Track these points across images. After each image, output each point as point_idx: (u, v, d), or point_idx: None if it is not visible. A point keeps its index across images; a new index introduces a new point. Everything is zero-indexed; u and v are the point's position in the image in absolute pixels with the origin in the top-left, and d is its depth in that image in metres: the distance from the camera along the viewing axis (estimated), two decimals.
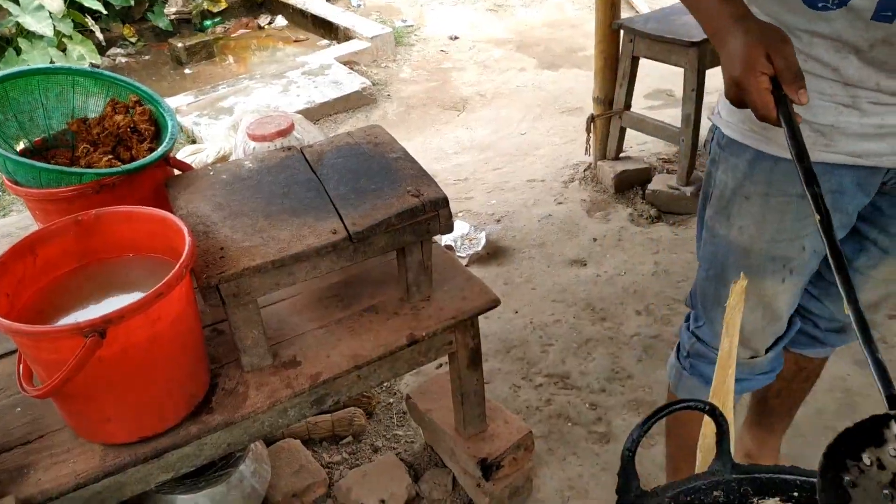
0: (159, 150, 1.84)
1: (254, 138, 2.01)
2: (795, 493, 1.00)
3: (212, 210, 1.72)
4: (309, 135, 2.29)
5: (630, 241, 3.48)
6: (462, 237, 3.49)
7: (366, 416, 2.52)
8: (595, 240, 3.51)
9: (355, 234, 1.62)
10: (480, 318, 1.93)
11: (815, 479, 0.99)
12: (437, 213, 1.72)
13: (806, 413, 2.48)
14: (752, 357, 1.65)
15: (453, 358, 1.98)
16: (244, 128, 2.10)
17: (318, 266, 1.63)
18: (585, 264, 3.35)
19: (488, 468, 2.10)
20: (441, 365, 2.75)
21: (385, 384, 2.72)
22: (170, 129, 1.90)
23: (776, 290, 1.54)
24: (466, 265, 3.34)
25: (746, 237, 1.50)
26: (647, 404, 2.56)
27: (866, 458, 0.84)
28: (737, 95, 1.20)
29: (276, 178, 1.83)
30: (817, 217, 1.05)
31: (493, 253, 3.45)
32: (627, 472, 0.95)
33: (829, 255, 1.01)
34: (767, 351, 1.66)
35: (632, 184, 3.84)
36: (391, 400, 2.65)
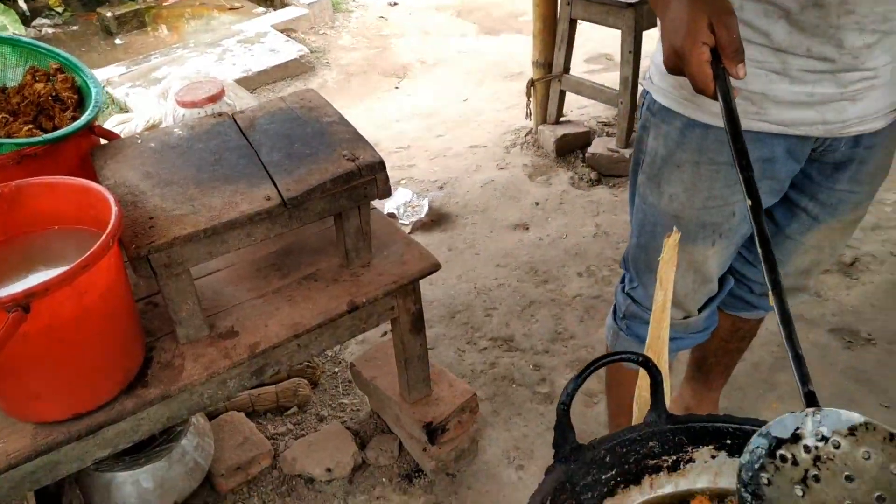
0: (83, 118, 1.76)
1: (183, 105, 1.95)
2: (728, 441, 1.02)
3: (140, 179, 1.67)
4: (241, 101, 2.23)
5: (571, 204, 3.50)
6: (405, 204, 3.46)
7: (310, 386, 2.50)
8: (537, 204, 3.52)
9: (290, 199, 1.59)
10: (424, 284, 1.92)
11: (747, 427, 1.01)
12: (373, 177, 1.69)
13: (743, 367, 2.55)
14: (685, 317, 1.68)
15: (396, 323, 1.97)
16: (173, 95, 2.03)
17: (253, 233, 1.60)
18: (528, 228, 3.36)
19: (434, 432, 2.10)
20: (385, 333, 2.75)
21: (329, 353, 2.70)
22: (94, 97, 1.82)
23: (706, 255, 1.55)
24: (409, 232, 3.33)
25: (677, 205, 1.50)
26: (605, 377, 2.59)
27: (781, 455, 0.86)
28: (675, 65, 1.15)
29: (207, 145, 1.78)
30: (749, 202, 1.02)
31: (436, 219, 3.44)
32: (563, 425, 0.95)
33: (758, 245, 0.99)
34: (700, 311, 1.68)
35: (572, 147, 3.85)
36: (336, 369, 2.63)
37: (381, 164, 1.70)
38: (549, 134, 3.86)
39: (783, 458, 0.87)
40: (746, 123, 1.36)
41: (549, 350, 2.67)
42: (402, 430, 2.24)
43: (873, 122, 1.38)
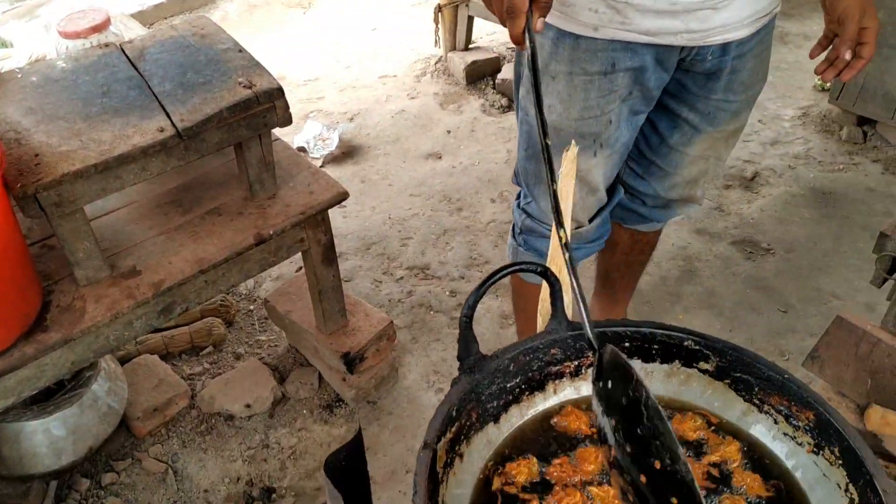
0: None
1: (66, 35, 1.84)
2: (627, 344, 1.05)
3: (22, 115, 1.57)
4: (130, 31, 2.12)
5: (483, 131, 3.50)
6: (315, 138, 3.39)
7: (225, 325, 2.46)
8: (449, 132, 3.50)
9: (184, 130, 1.53)
10: (338, 217, 1.90)
11: (645, 329, 1.05)
12: (272, 104, 1.64)
13: (651, 281, 2.64)
14: (577, 227, 1.71)
15: (307, 255, 1.95)
16: (55, 26, 1.91)
17: (148, 167, 1.54)
18: (440, 157, 3.35)
19: (352, 361, 2.11)
20: (300, 269, 2.72)
21: (244, 291, 2.66)
22: None
23: (589, 165, 1.58)
24: (321, 166, 3.27)
25: (555, 116, 1.51)
26: (504, 287, 2.62)
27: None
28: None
29: (94, 77, 1.69)
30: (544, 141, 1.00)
31: (347, 152, 3.39)
32: (466, 337, 0.97)
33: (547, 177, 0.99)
34: (591, 220, 1.72)
35: (483, 74, 3.83)
36: (251, 307, 2.60)
37: (279, 91, 1.65)
38: (459, 61, 3.82)
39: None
40: (613, 33, 1.38)
41: (465, 276, 2.70)
42: (320, 361, 2.24)
43: (737, 30, 1.41)
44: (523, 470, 0.96)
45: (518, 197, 1.80)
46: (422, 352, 2.41)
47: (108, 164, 1.47)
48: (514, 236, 1.83)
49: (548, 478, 0.96)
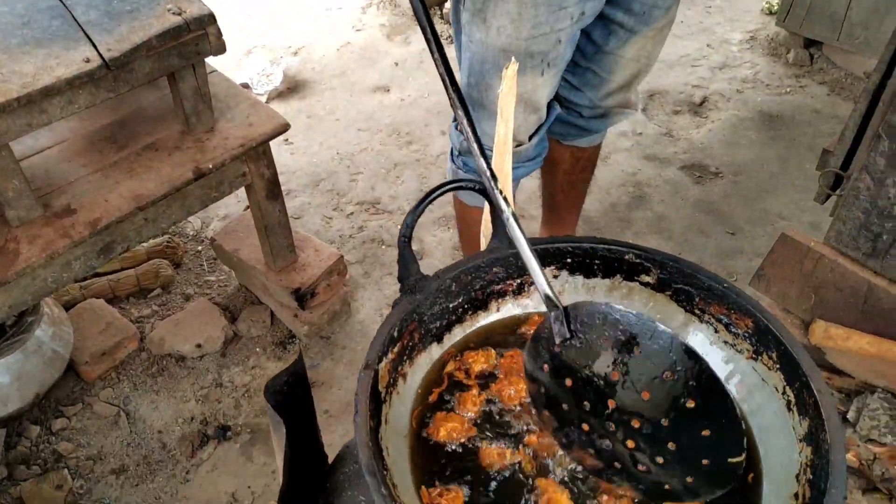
0: None
1: None
2: (569, 260, 1.04)
3: None
4: None
5: (431, 62, 3.41)
6: (259, 74, 3.30)
7: (173, 266, 2.42)
8: (397, 64, 3.43)
9: (112, 60, 1.46)
10: (285, 153, 1.86)
11: (586, 244, 1.04)
12: (203, 31, 1.57)
13: (601, 208, 2.64)
14: (517, 146, 1.71)
15: (250, 190, 1.91)
16: None
17: (75, 100, 1.47)
18: (389, 90, 3.28)
19: (303, 297, 2.09)
20: (248, 207, 2.66)
21: (191, 232, 2.61)
22: None
23: (536, 84, 1.56)
24: (266, 102, 3.18)
25: (504, 37, 1.49)
26: (455, 219, 2.62)
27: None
28: None
29: (13, 7, 1.59)
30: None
31: (292, 87, 3.30)
32: (405, 257, 0.95)
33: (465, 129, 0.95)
34: (531, 138, 1.71)
35: (430, 4, 3.74)
36: (199, 248, 2.55)
37: (211, 17, 1.58)
38: None
39: None
40: None
41: None
42: (271, 299, 2.21)
43: None
44: (480, 359, 0.99)
45: (455, 119, 1.78)
46: (374, 286, 2.40)
47: (31, 97, 1.40)
48: (452, 159, 1.82)
49: (498, 371, 0.98)
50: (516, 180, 1.84)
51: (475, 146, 0.93)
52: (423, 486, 0.86)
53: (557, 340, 0.89)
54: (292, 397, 0.95)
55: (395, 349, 0.91)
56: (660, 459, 0.83)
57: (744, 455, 0.79)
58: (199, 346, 2.13)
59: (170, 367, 2.12)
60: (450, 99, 0.96)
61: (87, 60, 1.46)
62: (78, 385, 2.08)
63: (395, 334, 0.91)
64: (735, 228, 2.57)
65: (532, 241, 1.04)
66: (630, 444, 0.84)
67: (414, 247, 2.53)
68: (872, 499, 1.51)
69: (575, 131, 1.90)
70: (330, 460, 1.09)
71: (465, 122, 0.94)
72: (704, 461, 0.81)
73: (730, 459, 0.80)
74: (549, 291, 0.89)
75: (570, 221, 2.23)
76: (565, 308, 0.89)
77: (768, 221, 2.59)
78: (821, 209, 2.18)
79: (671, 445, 0.83)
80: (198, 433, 1.99)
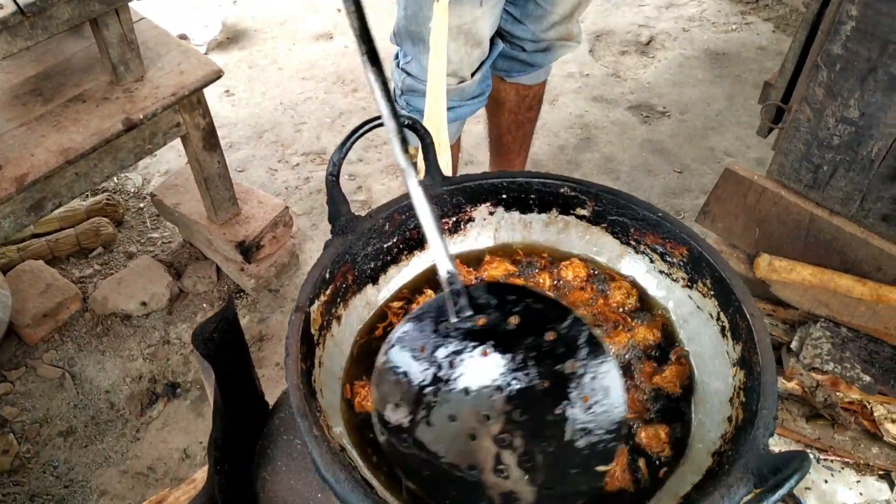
0: None
1: None
2: (504, 196, 1.03)
3: None
4: None
5: (376, 6, 3.32)
6: (196, 23, 3.19)
7: (114, 224, 2.35)
8: (339, 11, 3.34)
9: (27, 6, 1.39)
10: (226, 105, 1.80)
11: (521, 180, 1.03)
12: None
13: (550, 151, 2.63)
14: (460, 82, 1.68)
15: (186, 141, 1.85)
16: None
17: None
18: (332, 37, 3.20)
19: (248, 250, 2.05)
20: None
21: (133, 189, 2.54)
22: None
23: (475, 16, 1.53)
24: (205, 53, 3.09)
25: None
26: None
27: None
28: None
29: None
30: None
31: (232, 37, 3.20)
32: (334, 197, 0.93)
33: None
34: (473, 75, 1.69)
35: None
36: (142, 205, 2.49)
37: None
38: None
39: None
40: None
41: (363, 158, 2.63)
42: (216, 253, 2.17)
43: None
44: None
45: (396, 57, 1.74)
46: (323, 237, 2.36)
47: None
48: (395, 98, 1.78)
49: None
50: (461, 119, 1.82)
51: (378, 92, 0.81)
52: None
53: (454, 319, 0.84)
54: (223, 344, 0.93)
55: (328, 291, 0.90)
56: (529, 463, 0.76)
57: (612, 465, 0.75)
58: (143, 303, 2.09)
59: (115, 327, 2.08)
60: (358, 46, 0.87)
61: (1, 7, 1.38)
62: (20, 348, 2.03)
63: (327, 276, 0.89)
64: (682, 167, 2.58)
65: (465, 178, 1.03)
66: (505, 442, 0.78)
67: (362, 196, 2.49)
68: (816, 425, 1.55)
69: (518, 66, 1.88)
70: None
71: (369, 73, 0.82)
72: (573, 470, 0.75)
73: (597, 468, 0.75)
74: (450, 266, 0.84)
75: (517, 164, 2.21)
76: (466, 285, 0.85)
77: (715, 159, 2.60)
78: (766, 145, 2.19)
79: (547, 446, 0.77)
80: (146, 391, 1.96)
